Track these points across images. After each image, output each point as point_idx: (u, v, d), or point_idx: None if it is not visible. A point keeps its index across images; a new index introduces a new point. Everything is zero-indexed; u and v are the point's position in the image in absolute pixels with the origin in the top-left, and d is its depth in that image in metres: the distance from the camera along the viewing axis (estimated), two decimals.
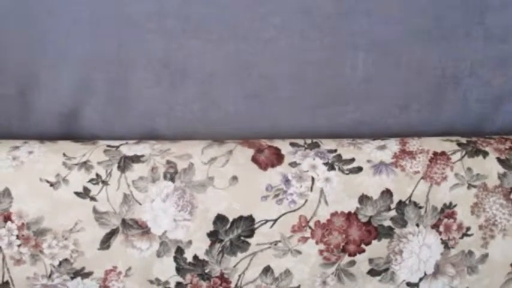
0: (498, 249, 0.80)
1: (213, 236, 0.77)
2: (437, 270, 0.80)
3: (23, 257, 0.76)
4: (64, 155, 0.78)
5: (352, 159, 0.80)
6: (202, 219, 0.77)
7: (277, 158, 0.80)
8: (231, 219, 0.77)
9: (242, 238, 0.77)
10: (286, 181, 0.78)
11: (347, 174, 0.79)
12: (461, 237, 0.80)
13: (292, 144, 0.82)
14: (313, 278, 0.79)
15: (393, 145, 0.82)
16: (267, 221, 0.78)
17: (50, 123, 0.83)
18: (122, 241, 0.76)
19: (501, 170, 0.80)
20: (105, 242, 0.76)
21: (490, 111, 0.86)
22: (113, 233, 0.76)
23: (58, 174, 0.76)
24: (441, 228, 0.79)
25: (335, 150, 0.82)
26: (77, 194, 0.76)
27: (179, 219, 0.77)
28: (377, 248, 0.79)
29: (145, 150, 0.79)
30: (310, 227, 0.78)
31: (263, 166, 0.79)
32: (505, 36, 0.82)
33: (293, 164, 0.79)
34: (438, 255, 0.80)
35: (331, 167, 0.80)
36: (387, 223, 0.79)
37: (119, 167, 0.78)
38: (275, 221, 0.78)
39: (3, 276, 0.76)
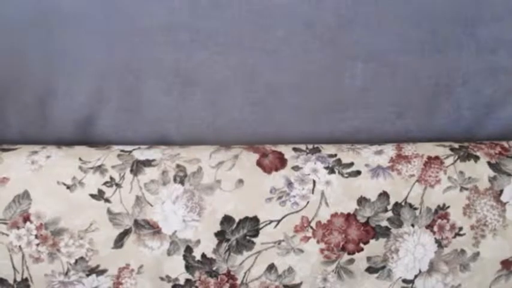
0: (489, 248, 0.81)
1: (220, 235, 0.78)
2: (432, 268, 0.81)
3: (41, 256, 0.77)
4: (80, 159, 0.79)
5: (351, 164, 0.81)
6: (210, 219, 0.78)
7: (281, 162, 0.81)
8: (237, 220, 0.78)
9: (248, 237, 0.78)
10: (289, 184, 0.79)
11: (346, 177, 0.80)
12: (454, 237, 0.80)
13: (294, 149, 0.83)
14: (314, 275, 0.80)
15: (390, 150, 0.83)
16: (271, 221, 0.78)
17: (66, 129, 0.83)
18: (135, 240, 0.77)
19: (491, 173, 0.81)
20: (119, 241, 0.77)
21: (481, 118, 0.86)
22: (126, 233, 0.77)
23: (74, 178, 0.77)
24: (435, 228, 0.80)
25: (335, 155, 0.82)
26: (92, 196, 0.77)
27: (188, 220, 0.78)
28: (374, 247, 0.80)
29: (157, 155, 0.80)
30: (311, 227, 0.79)
31: (267, 170, 0.80)
32: (495, 48, 0.82)
33: (296, 168, 0.80)
34: (432, 254, 0.81)
35: (331, 170, 0.80)
36: (384, 223, 0.80)
37: (131, 170, 0.78)
38: (279, 221, 0.79)
39: (22, 274, 0.77)
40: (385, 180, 0.80)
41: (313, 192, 0.79)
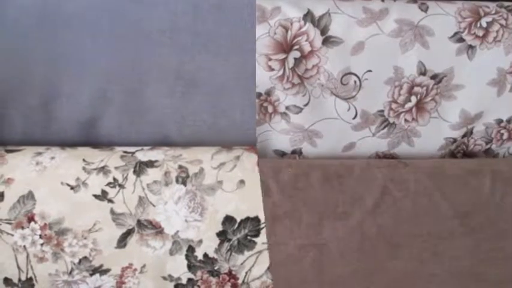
0: None
1: (222, 235, 0.79)
2: None
3: (46, 255, 0.78)
4: (83, 160, 0.80)
5: None
6: (212, 220, 0.78)
7: None
8: (238, 220, 0.78)
9: (249, 237, 0.79)
10: None
11: None
12: None
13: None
14: None
15: None
16: None
17: (70, 131, 0.83)
18: (137, 240, 0.78)
19: None
20: (122, 241, 0.78)
21: None
22: (128, 233, 0.78)
23: (78, 178, 0.78)
24: None
25: None
26: (96, 196, 0.78)
27: (190, 220, 0.78)
28: None
29: (159, 156, 0.81)
30: None
31: None
32: None
33: None
34: None
35: None
36: None
37: (134, 171, 0.79)
38: None
39: (27, 273, 0.78)
40: None
41: None
